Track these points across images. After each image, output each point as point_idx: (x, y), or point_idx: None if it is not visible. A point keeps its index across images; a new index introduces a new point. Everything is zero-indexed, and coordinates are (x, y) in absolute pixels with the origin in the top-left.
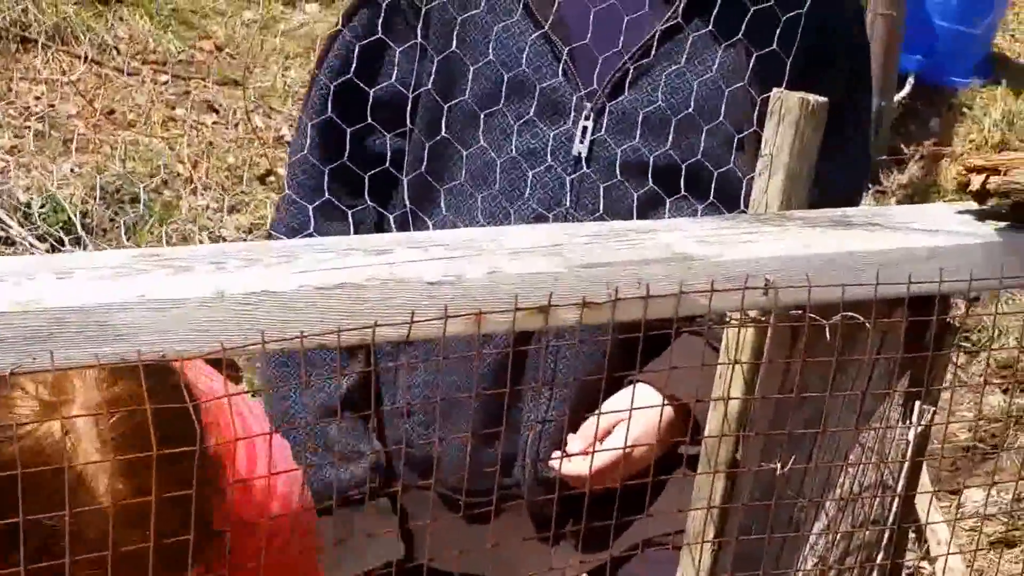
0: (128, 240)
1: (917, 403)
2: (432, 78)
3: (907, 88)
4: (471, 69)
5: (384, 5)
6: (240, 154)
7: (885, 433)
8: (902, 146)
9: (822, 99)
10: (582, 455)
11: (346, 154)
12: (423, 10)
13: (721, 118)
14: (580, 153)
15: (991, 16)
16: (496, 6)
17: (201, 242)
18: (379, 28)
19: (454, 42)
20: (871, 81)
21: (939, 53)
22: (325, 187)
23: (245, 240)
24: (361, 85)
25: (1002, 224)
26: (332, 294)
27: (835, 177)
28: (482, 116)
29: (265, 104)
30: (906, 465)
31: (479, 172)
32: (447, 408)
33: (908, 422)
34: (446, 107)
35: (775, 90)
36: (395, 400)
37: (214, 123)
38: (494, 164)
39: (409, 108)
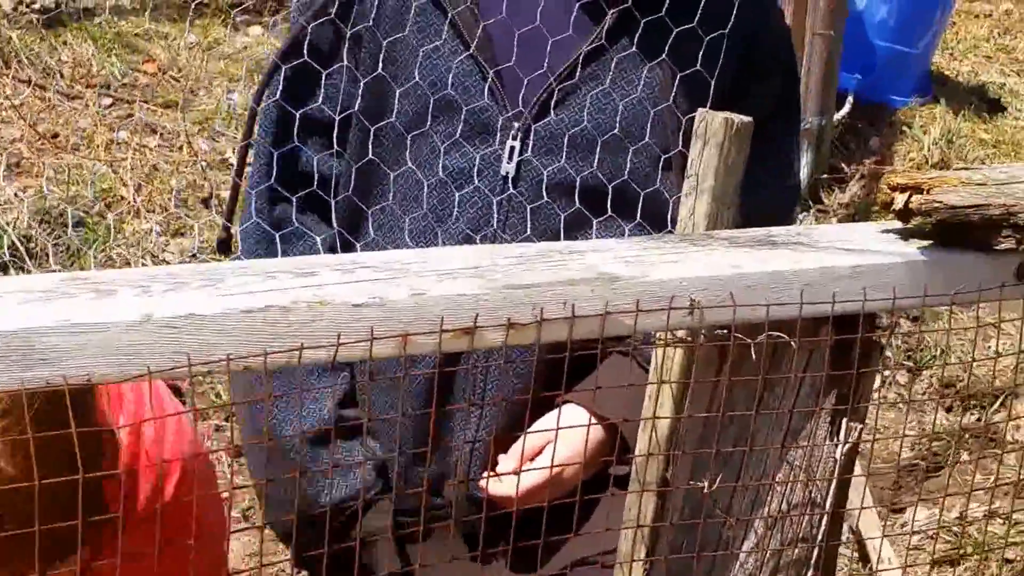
0: (72, 265)
1: (844, 420)
2: (360, 100)
3: (846, 107)
4: (397, 91)
5: (320, 32)
6: (184, 177)
7: (812, 451)
8: (842, 165)
9: (746, 119)
10: (510, 475)
11: (311, 179)
12: (354, 33)
13: (647, 138)
14: (508, 173)
15: (930, 35)
16: (424, 28)
17: (144, 265)
18: (316, 55)
19: (380, 64)
20: (798, 99)
21: (878, 72)
22: (292, 215)
23: (189, 263)
24: (303, 110)
25: (926, 243)
26: (258, 317)
27: (765, 193)
28: (409, 138)
29: (209, 127)
30: (834, 482)
31: (407, 194)
32: (381, 427)
33: (835, 439)
34: (373, 129)
35: (700, 111)
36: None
37: (157, 146)
38: (422, 185)
39: (337, 132)
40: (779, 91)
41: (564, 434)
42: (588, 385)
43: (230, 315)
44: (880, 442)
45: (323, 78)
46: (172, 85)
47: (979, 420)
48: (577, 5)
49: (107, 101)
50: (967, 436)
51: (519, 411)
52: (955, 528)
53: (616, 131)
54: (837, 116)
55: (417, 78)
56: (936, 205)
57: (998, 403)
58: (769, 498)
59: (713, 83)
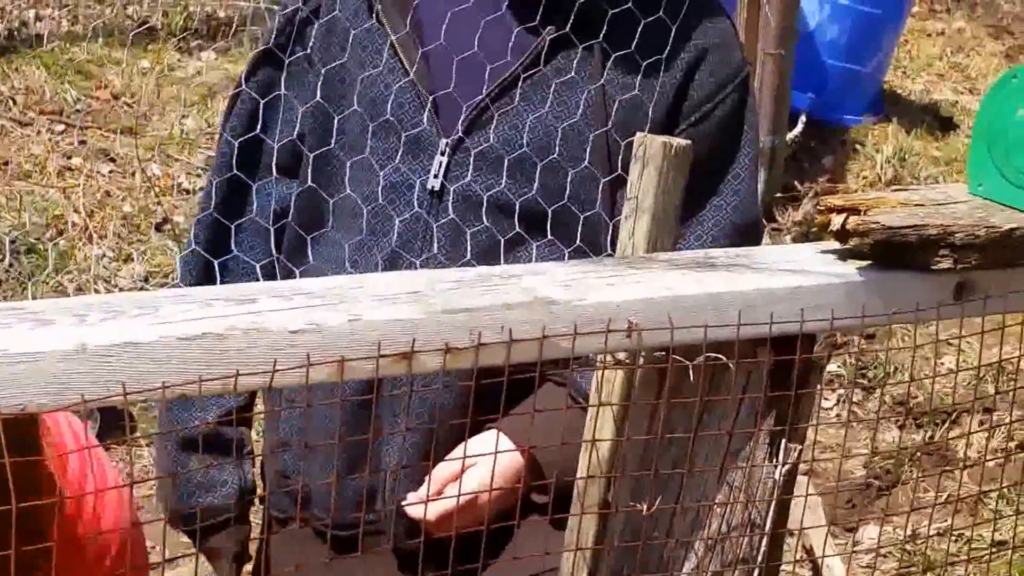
0: (22, 292)
1: (783, 441)
2: (305, 129)
3: (799, 126)
4: (336, 118)
5: (272, 63)
6: (136, 203)
7: (752, 472)
8: (796, 184)
9: (684, 142)
10: (431, 498)
11: (252, 210)
12: (298, 62)
13: (584, 160)
14: (434, 188)
15: (881, 54)
16: (366, 54)
17: (97, 291)
18: (277, 85)
19: (323, 92)
20: (754, 121)
21: (830, 91)
22: (231, 244)
23: (141, 290)
24: (255, 142)
25: (864, 263)
26: (193, 344)
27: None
28: (349, 162)
29: (162, 152)
30: (773, 503)
31: (345, 218)
32: (318, 440)
33: (775, 460)
34: (313, 156)
35: (638, 135)
36: (278, 431)
37: (111, 172)
38: (359, 209)
39: (288, 161)
40: (727, 119)
41: (486, 461)
42: (517, 413)
43: (166, 343)
44: (833, 460)
45: (275, 110)
46: (125, 111)
47: (932, 437)
48: (515, 32)
49: (60, 127)
50: (919, 453)
51: (445, 432)
52: (907, 546)
53: (553, 155)
54: (790, 135)
55: (356, 104)
56: (873, 226)
57: (950, 420)
58: (709, 520)
59: (652, 108)
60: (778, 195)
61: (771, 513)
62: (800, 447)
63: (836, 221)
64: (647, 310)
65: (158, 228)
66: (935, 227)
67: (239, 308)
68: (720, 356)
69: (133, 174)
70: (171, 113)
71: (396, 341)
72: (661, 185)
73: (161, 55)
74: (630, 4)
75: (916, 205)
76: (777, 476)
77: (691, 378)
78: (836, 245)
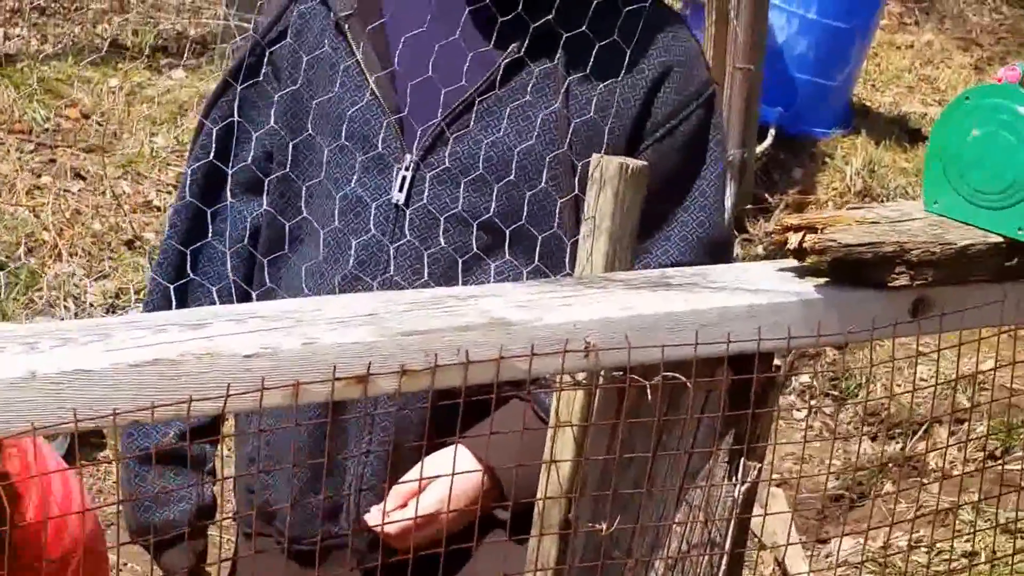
0: None
1: (742, 460)
2: (276, 153)
3: (769, 139)
4: (301, 140)
5: (240, 89)
6: (106, 221)
7: (711, 491)
8: (766, 196)
9: (641, 163)
10: (392, 514)
11: (219, 233)
12: (266, 85)
13: (541, 180)
14: (398, 201)
15: (849, 67)
16: (332, 73)
17: (67, 309)
18: (245, 107)
19: (291, 116)
20: (720, 139)
21: (799, 105)
22: (196, 268)
23: (112, 306)
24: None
25: (821, 281)
26: (146, 371)
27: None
28: (314, 184)
29: (132, 170)
30: (733, 522)
31: (307, 239)
32: (283, 455)
33: (734, 479)
34: (277, 177)
35: (595, 155)
36: (245, 447)
37: (80, 190)
38: (319, 229)
39: (255, 185)
40: (692, 136)
41: (446, 476)
42: (481, 429)
43: (117, 370)
44: (806, 472)
45: (243, 132)
46: (96, 129)
47: (903, 449)
48: (478, 53)
49: (29, 147)
50: (891, 465)
51: (407, 448)
52: (880, 558)
53: (510, 174)
54: (760, 148)
55: (322, 124)
56: (830, 244)
57: (922, 431)
58: (669, 539)
59: (616, 126)
60: (749, 207)
61: (731, 532)
62: (760, 465)
63: (793, 239)
64: (604, 330)
65: (129, 245)
66: (891, 244)
67: (192, 333)
68: (678, 375)
69: (103, 192)
70: (141, 131)
71: (351, 364)
72: (618, 205)
73: (131, 73)
74: (585, 26)
75: (872, 223)
76: (736, 495)
77: (649, 398)
78: (794, 263)
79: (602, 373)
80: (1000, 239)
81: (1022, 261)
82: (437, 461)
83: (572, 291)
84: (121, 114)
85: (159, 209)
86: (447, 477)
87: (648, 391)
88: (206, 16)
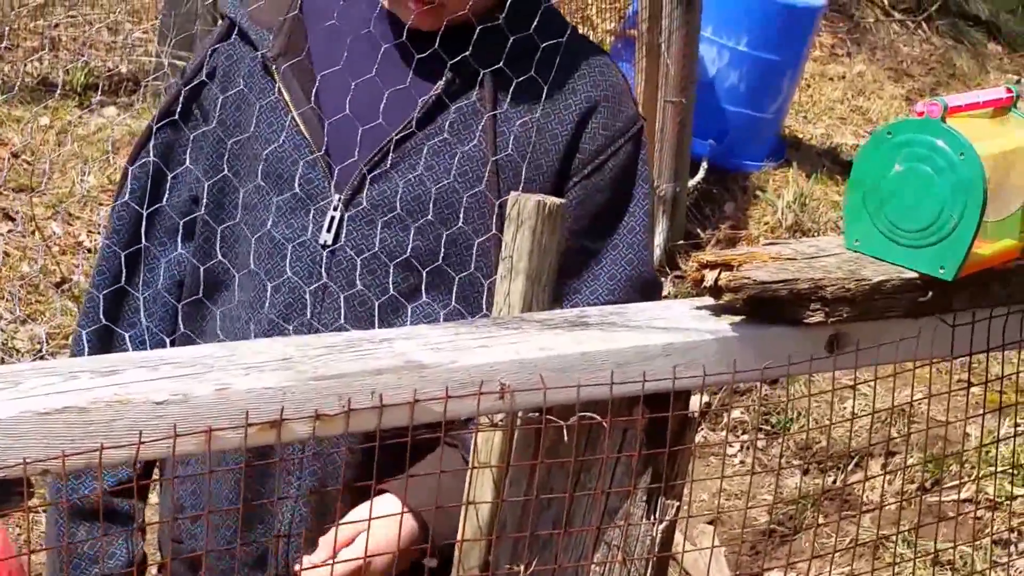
0: None
1: (660, 499)
2: (206, 191)
3: (701, 173)
4: (230, 184)
5: (167, 133)
6: (35, 263)
7: (629, 530)
8: (698, 231)
9: (559, 200)
10: (321, 564)
11: (148, 280)
12: (196, 130)
13: (460, 221)
14: (326, 242)
15: (780, 100)
16: (261, 115)
17: None
18: (172, 151)
19: (222, 162)
20: (648, 175)
21: (731, 138)
22: (124, 316)
23: (40, 351)
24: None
25: (738, 318)
26: (55, 419)
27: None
28: (241, 226)
29: (64, 210)
30: (651, 561)
31: (233, 285)
32: (210, 504)
33: (652, 518)
34: (205, 220)
35: (512, 194)
36: (173, 495)
37: (9, 232)
38: (253, 273)
39: (184, 231)
40: (620, 172)
41: (376, 525)
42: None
43: (26, 418)
44: (738, 507)
45: (171, 176)
46: (25, 168)
47: (834, 482)
48: (387, 93)
49: None
50: (823, 499)
51: (334, 496)
52: None
53: (427, 215)
54: (692, 182)
55: (250, 167)
56: (745, 281)
57: (853, 464)
58: None
59: (536, 164)
60: (680, 242)
61: (649, 570)
62: (678, 504)
63: (709, 277)
64: (520, 371)
65: (58, 287)
66: (806, 281)
67: (103, 380)
68: (595, 415)
69: (33, 233)
70: (72, 170)
71: (264, 410)
72: (535, 244)
73: (62, 112)
74: (503, 62)
75: (788, 259)
76: (655, 533)
77: (566, 438)
78: (710, 301)
79: (520, 414)
80: (915, 275)
81: (936, 296)
82: (365, 510)
83: (488, 332)
84: (52, 153)
85: (90, 251)
86: (376, 526)
87: (565, 431)
88: (138, 53)
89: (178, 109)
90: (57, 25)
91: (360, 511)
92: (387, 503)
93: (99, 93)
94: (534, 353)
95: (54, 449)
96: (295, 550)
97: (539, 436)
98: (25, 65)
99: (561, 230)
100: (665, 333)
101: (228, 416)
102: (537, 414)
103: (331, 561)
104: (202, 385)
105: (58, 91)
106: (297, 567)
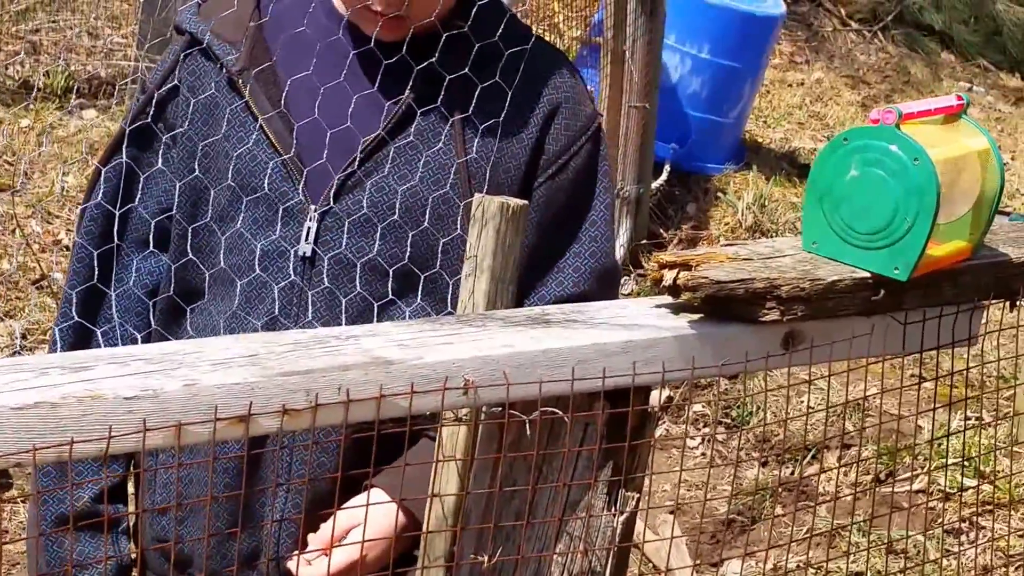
0: None
1: (621, 491)
2: (177, 202)
3: (664, 175)
4: (212, 191)
5: (139, 134)
6: (15, 260)
7: (591, 521)
8: (661, 231)
9: (522, 202)
10: (317, 556)
11: (121, 283)
12: (169, 134)
13: (426, 223)
14: (305, 253)
15: (740, 105)
16: (230, 126)
17: None
18: (140, 161)
19: (196, 166)
20: (607, 169)
21: (693, 141)
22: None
23: (20, 347)
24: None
25: (696, 316)
26: (27, 414)
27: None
28: (219, 235)
29: (43, 209)
30: (612, 551)
31: (216, 290)
32: (197, 504)
33: (613, 509)
34: (181, 230)
35: (476, 195)
36: (154, 497)
37: None
38: (233, 281)
39: (156, 233)
40: (582, 169)
41: (369, 518)
42: (395, 469)
43: None
44: (699, 498)
45: (143, 180)
46: (6, 169)
47: (792, 474)
48: (355, 98)
49: None
50: (780, 489)
51: (327, 490)
52: None
53: (395, 217)
54: (655, 184)
55: (223, 175)
56: (702, 280)
57: (810, 456)
58: (550, 569)
59: (503, 168)
60: (644, 242)
61: (611, 560)
62: (638, 496)
63: (668, 277)
64: (483, 367)
65: (36, 285)
66: (762, 281)
67: (74, 376)
68: (556, 410)
69: (13, 231)
70: (52, 171)
71: (233, 405)
72: (499, 244)
73: (42, 114)
74: (469, 68)
75: (744, 259)
76: (616, 524)
77: (528, 433)
78: (669, 300)
79: (484, 409)
80: (867, 275)
81: (888, 296)
82: (354, 505)
83: (452, 330)
84: (32, 154)
85: (67, 248)
86: (365, 520)
87: (528, 426)
88: (117, 58)
89: (144, 121)
90: (38, 30)
91: (350, 506)
92: (376, 497)
93: (78, 96)
94: (497, 350)
95: (26, 443)
96: (285, 547)
97: (503, 430)
98: (7, 68)
99: (524, 230)
100: (625, 331)
101: (197, 411)
102: (500, 409)
103: (320, 549)
104: (171, 381)
105: (35, 92)
106: (290, 563)
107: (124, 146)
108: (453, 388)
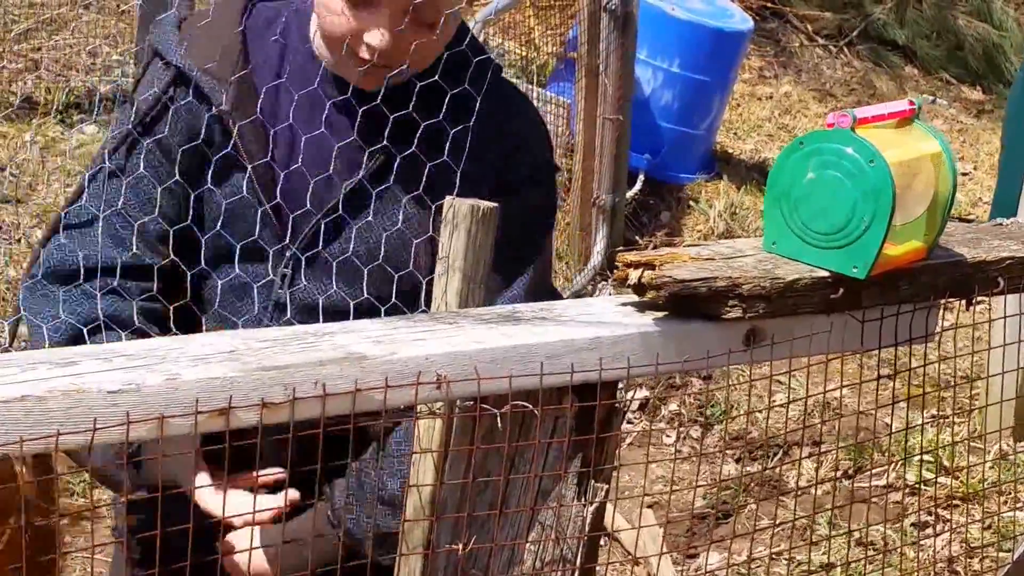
0: None
1: (590, 482)
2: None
3: (638, 185)
4: (202, 239)
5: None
6: (20, 268)
7: (561, 511)
8: (636, 238)
9: (491, 204)
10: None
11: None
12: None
13: (409, 266)
14: (280, 299)
15: (711, 117)
16: (222, 176)
17: None
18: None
19: (190, 213)
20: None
21: (666, 152)
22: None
23: (9, 345)
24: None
25: (660, 314)
26: (13, 407)
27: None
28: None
29: (46, 219)
30: (583, 540)
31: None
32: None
33: (583, 500)
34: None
35: (448, 199)
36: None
37: None
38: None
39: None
40: (536, 202)
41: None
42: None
43: None
44: (675, 492)
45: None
46: (11, 181)
47: (764, 469)
48: (337, 146)
49: None
50: (754, 484)
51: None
52: (744, 570)
53: (379, 260)
54: (630, 193)
55: (218, 226)
56: (666, 279)
57: (783, 452)
58: (523, 557)
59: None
60: (620, 249)
61: (581, 549)
62: (607, 487)
63: (633, 276)
64: (456, 363)
65: None
66: (724, 280)
67: (60, 371)
68: (527, 404)
69: (19, 240)
70: (55, 183)
71: (213, 399)
72: (470, 245)
73: (45, 128)
74: (442, 115)
75: (707, 259)
76: (586, 514)
77: (499, 426)
78: (634, 298)
79: (458, 403)
80: (826, 274)
81: (846, 294)
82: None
83: (425, 327)
84: (36, 167)
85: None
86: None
87: (499, 419)
88: (116, 75)
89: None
90: (40, 48)
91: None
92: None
93: (79, 111)
94: (469, 346)
95: (12, 436)
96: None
97: (475, 423)
98: (10, 85)
99: (493, 232)
100: (592, 328)
101: (179, 405)
102: (473, 403)
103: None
104: (153, 375)
105: (42, 109)
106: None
107: (110, 161)
108: (426, 383)
